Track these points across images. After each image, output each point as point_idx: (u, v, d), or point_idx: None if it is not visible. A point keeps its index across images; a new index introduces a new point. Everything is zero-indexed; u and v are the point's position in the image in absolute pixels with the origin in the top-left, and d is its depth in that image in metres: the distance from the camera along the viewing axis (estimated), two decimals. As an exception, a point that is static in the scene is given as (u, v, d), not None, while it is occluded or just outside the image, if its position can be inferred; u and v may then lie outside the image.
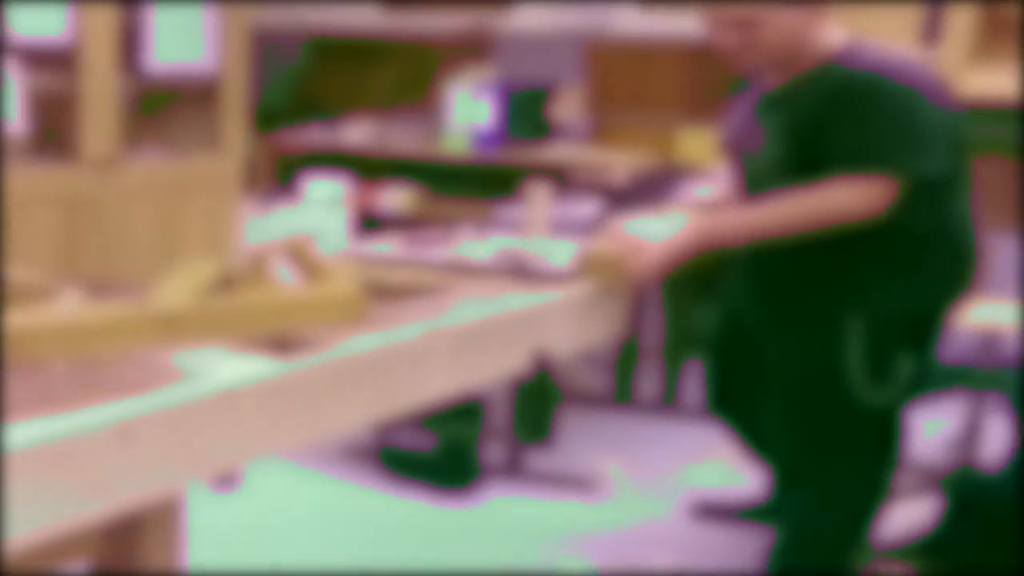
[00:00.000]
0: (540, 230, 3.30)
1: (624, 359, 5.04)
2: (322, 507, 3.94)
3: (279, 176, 6.47)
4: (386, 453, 4.19)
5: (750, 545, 3.63)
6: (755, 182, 2.90)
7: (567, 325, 2.61)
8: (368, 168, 6.38)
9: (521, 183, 3.91)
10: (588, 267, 2.69)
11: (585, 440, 4.60)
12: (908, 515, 3.54)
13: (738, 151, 3.02)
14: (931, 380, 3.09)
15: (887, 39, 3.03)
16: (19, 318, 1.95)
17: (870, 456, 2.96)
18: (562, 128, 6.19)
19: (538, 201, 3.36)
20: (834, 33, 2.87)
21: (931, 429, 4.48)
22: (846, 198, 2.71)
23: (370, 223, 5.99)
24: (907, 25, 5.06)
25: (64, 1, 4.32)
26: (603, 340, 2.81)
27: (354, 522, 3.84)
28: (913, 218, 2.76)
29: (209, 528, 3.49)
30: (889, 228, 2.74)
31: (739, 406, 3.35)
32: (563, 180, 5.41)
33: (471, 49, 6.48)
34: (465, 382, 2.32)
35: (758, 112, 2.95)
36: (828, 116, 2.75)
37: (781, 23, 2.77)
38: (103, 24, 4.42)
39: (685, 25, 5.70)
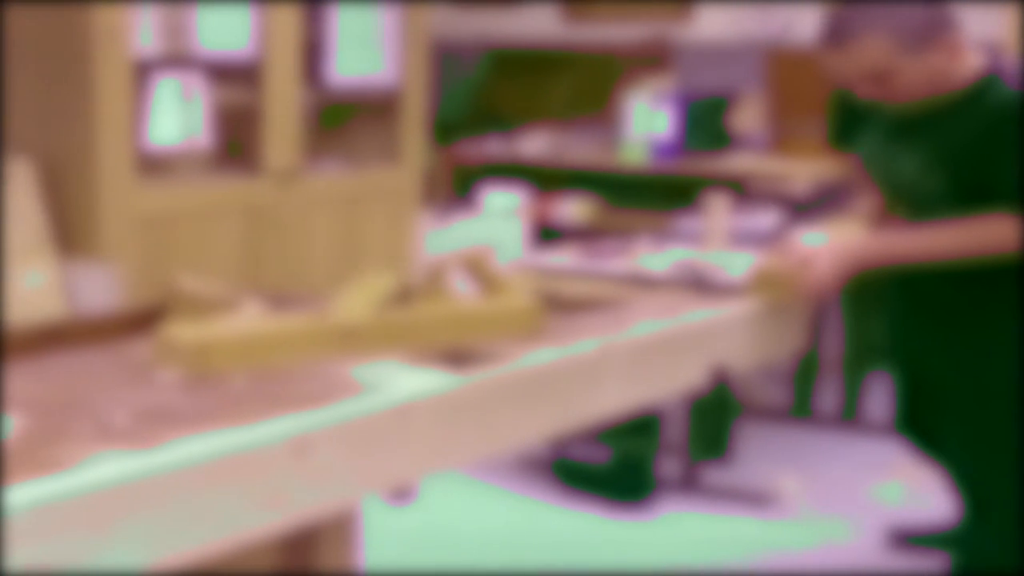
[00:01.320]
0: (719, 242, 3.25)
1: (803, 373, 4.94)
2: (496, 519, 3.94)
3: (456, 187, 6.52)
4: (561, 466, 4.17)
5: (935, 571, 3.52)
6: (913, 207, 2.80)
7: (746, 339, 2.56)
8: (545, 179, 6.38)
9: (700, 194, 3.86)
10: (758, 284, 2.64)
11: (762, 455, 4.51)
12: None
13: (877, 172, 2.92)
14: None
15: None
16: (200, 330, 1.98)
17: None
18: (742, 137, 6.10)
19: (717, 212, 3.31)
20: (971, 56, 2.72)
21: None
22: (1007, 235, 2.64)
23: (547, 234, 5.99)
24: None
25: (248, 15, 4.41)
26: (782, 354, 2.76)
27: (528, 535, 3.82)
28: None
29: (384, 539, 3.52)
30: None
31: (924, 427, 3.24)
32: (743, 191, 5.34)
33: (651, 59, 6.44)
34: (642, 396, 2.29)
35: (892, 134, 2.82)
36: (989, 145, 2.64)
37: (918, 68, 2.62)
38: (286, 38, 4.50)
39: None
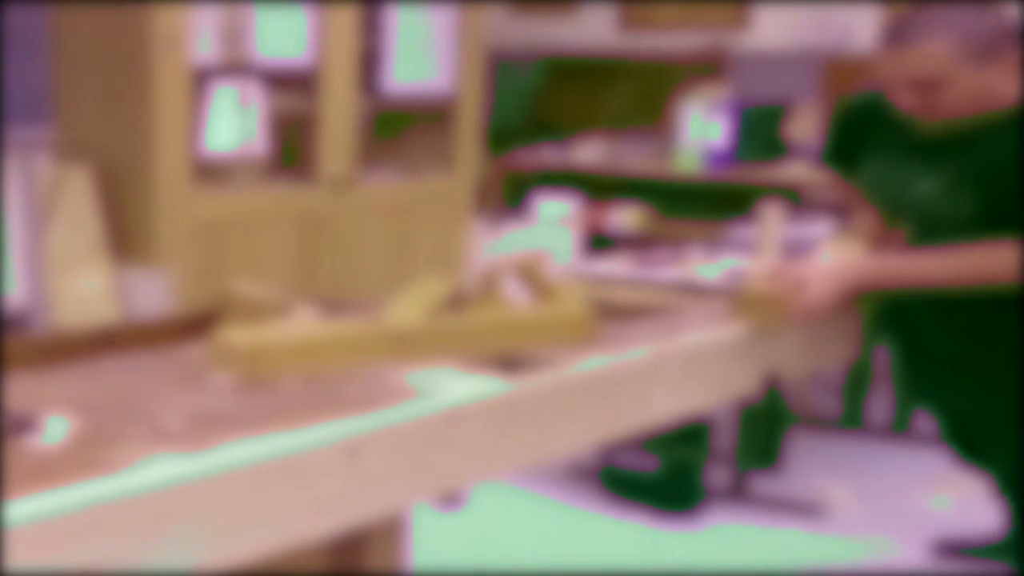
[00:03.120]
0: (772, 251, 3.24)
1: (854, 382, 4.90)
2: (542, 528, 3.93)
3: (508, 196, 6.52)
4: (608, 474, 4.16)
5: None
6: (925, 230, 2.68)
7: (798, 347, 2.54)
8: (598, 187, 6.38)
9: (754, 203, 3.84)
10: (744, 308, 2.46)
11: (812, 465, 4.48)
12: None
13: (883, 193, 2.78)
14: None
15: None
16: (254, 334, 1.99)
17: None
18: (798, 146, 6.07)
19: (771, 221, 3.29)
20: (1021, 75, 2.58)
21: None
22: (1008, 264, 2.52)
23: (598, 242, 5.98)
24: None
25: (305, 20, 4.43)
26: (834, 362, 2.73)
27: (574, 544, 3.81)
28: None
29: (431, 544, 3.52)
30: None
31: (967, 439, 3.18)
32: (798, 200, 5.31)
33: (707, 67, 6.43)
34: (693, 404, 2.28)
35: (909, 153, 2.68)
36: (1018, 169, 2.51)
37: (969, 83, 2.49)
38: (344, 45, 4.52)
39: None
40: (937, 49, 2.47)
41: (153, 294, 4.00)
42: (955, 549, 3.71)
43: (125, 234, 4.11)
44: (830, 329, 2.64)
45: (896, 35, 2.52)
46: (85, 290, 3.95)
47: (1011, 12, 2.59)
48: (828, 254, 2.67)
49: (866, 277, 2.57)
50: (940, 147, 2.61)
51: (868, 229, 2.93)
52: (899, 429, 4.83)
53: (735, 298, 2.47)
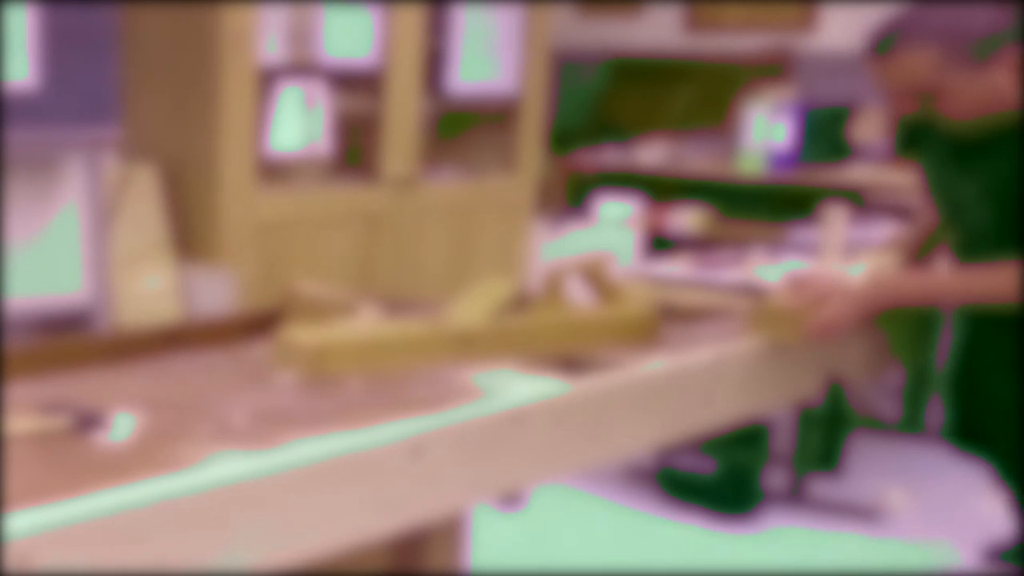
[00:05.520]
0: (835, 253, 3.22)
1: (915, 386, 4.86)
2: (600, 529, 3.93)
3: (569, 196, 6.52)
4: (665, 476, 4.15)
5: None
6: (966, 238, 2.53)
7: (860, 349, 2.52)
8: (660, 189, 6.36)
9: (817, 205, 3.82)
10: (759, 321, 2.31)
11: (871, 469, 4.45)
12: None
13: (937, 192, 2.61)
14: None
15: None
16: (318, 334, 2.00)
17: None
18: (863, 148, 6.03)
19: (834, 223, 3.27)
20: None
21: None
22: (1007, 283, 2.32)
23: (660, 243, 5.97)
24: None
25: (371, 20, 4.45)
26: (896, 366, 2.67)
27: (631, 545, 3.81)
28: None
29: (489, 543, 3.53)
30: None
31: (986, 443, 3.03)
32: (862, 202, 5.27)
33: (772, 68, 6.39)
34: (754, 407, 2.27)
35: (951, 155, 2.49)
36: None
37: (968, 89, 2.25)
38: (409, 45, 4.54)
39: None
40: (921, 58, 2.23)
41: (217, 293, 4.03)
42: (999, 553, 3.66)
43: (190, 233, 4.15)
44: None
45: (877, 44, 2.30)
46: (148, 289, 3.99)
47: (1005, 3, 2.27)
48: (862, 266, 2.57)
49: (885, 296, 2.40)
50: (974, 150, 2.41)
51: (915, 235, 2.80)
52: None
53: (752, 311, 2.32)
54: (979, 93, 2.25)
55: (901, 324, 2.66)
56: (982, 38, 2.21)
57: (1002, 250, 2.34)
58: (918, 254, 2.73)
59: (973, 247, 2.48)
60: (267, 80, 4.21)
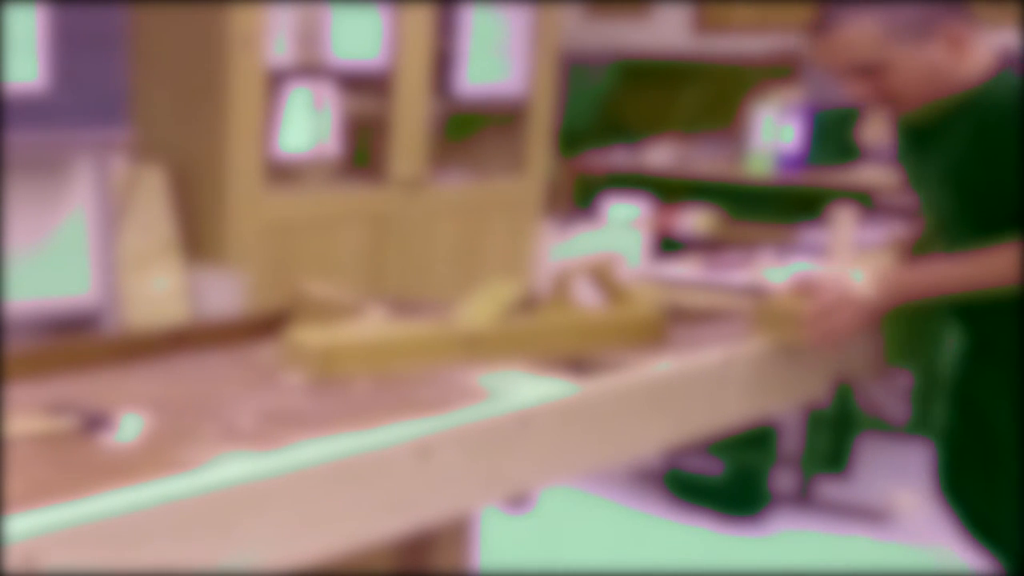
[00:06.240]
0: (844, 255, 3.21)
1: (923, 388, 4.84)
2: (607, 531, 3.92)
3: (577, 198, 6.51)
4: (673, 478, 4.14)
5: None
6: (941, 229, 2.49)
7: (868, 350, 2.52)
8: (668, 190, 6.35)
9: (826, 206, 3.81)
10: (763, 321, 2.29)
11: (879, 471, 4.44)
12: None
13: (918, 192, 2.57)
14: None
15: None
16: (326, 335, 2.00)
17: None
18: (872, 150, 6.02)
19: (843, 225, 3.26)
20: (979, 54, 2.31)
21: None
22: (1007, 265, 2.27)
23: (668, 245, 5.96)
24: None
25: (380, 21, 4.45)
26: (903, 367, 2.67)
27: (639, 547, 3.80)
28: None
29: (496, 545, 3.53)
30: None
31: (970, 489, 2.75)
32: (871, 204, 5.26)
33: (781, 70, 6.38)
34: (762, 408, 2.27)
35: (913, 146, 2.46)
36: (987, 153, 2.26)
37: (910, 64, 2.25)
38: (418, 46, 4.54)
39: (1010, 40, 5.46)
40: (861, 32, 2.25)
41: (225, 294, 4.03)
42: None
43: (198, 234, 4.15)
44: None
45: (819, 21, 2.31)
46: (156, 290, 3.99)
47: None
48: (861, 273, 2.51)
49: (890, 296, 2.36)
50: (928, 137, 2.39)
51: (905, 240, 2.75)
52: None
53: (756, 310, 2.31)
54: (919, 69, 2.26)
55: (902, 325, 2.65)
56: (922, 9, 2.24)
57: (968, 234, 2.32)
58: (913, 250, 2.72)
59: (947, 235, 2.45)
60: (275, 81, 4.21)
